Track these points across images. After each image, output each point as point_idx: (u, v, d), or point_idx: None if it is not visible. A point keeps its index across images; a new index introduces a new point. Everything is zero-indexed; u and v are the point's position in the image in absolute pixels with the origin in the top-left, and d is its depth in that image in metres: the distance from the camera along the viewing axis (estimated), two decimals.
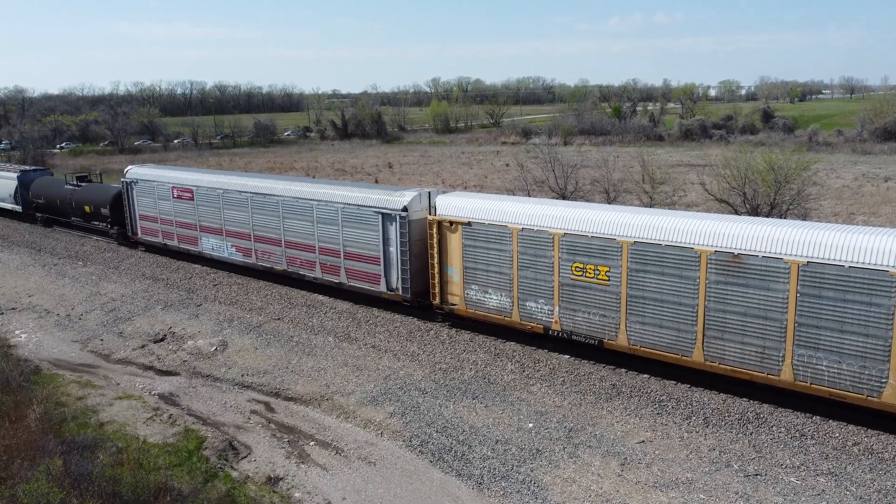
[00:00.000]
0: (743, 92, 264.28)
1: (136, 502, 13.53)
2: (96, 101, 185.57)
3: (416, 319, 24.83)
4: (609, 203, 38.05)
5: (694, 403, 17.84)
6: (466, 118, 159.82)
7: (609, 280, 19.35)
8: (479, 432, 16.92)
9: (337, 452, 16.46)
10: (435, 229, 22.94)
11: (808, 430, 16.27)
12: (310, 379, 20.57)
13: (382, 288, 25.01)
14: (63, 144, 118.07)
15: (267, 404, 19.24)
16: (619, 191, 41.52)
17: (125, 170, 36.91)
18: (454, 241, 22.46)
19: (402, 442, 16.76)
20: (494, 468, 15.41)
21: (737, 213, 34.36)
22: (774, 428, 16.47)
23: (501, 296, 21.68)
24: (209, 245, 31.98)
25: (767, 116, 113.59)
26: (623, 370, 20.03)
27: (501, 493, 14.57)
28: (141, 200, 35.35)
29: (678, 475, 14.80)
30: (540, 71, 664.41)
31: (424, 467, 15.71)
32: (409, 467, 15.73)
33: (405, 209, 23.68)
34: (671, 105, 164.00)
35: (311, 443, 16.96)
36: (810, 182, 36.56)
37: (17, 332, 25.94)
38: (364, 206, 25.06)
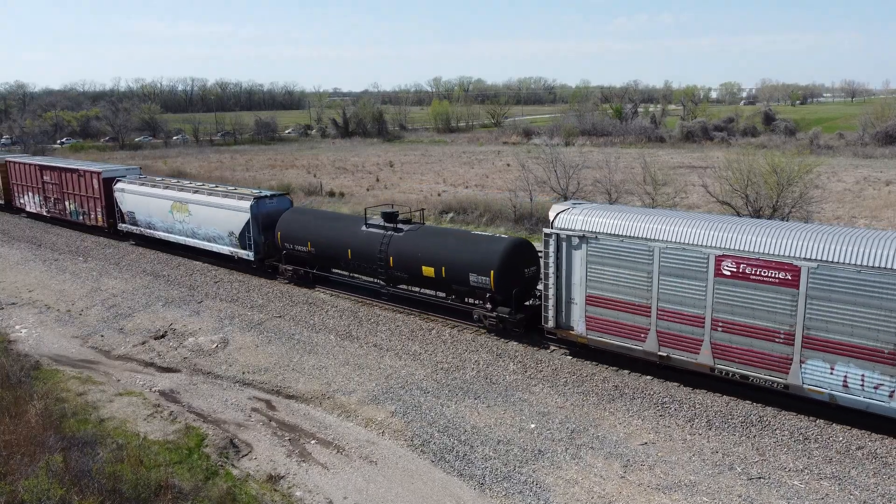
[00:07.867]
0: (744, 94, 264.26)
1: (138, 500, 13.49)
2: (97, 97, 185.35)
3: (417, 319, 24.75)
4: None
5: (697, 406, 17.79)
6: (467, 118, 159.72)
7: None
8: (481, 432, 16.86)
9: (338, 451, 16.40)
10: None
11: (812, 434, 16.22)
12: (311, 377, 20.50)
13: None
14: (63, 140, 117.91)
15: (268, 402, 19.18)
16: (621, 192, 41.47)
17: (552, 213, 21.46)
18: None
19: (404, 441, 16.71)
20: (496, 469, 15.36)
21: (739, 215, 34.31)
22: (778, 431, 16.42)
23: None
24: (837, 377, 16.60)
25: (769, 119, 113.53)
26: (625, 371, 19.99)
27: (503, 493, 14.51)
28: (596, 272, 20.49)
29: (681, 477, 14.75)
30: (541, 71, 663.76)
31: (426, 467, 15.66)
32: (410, 467, 15.68)
33: None
34: (672, 106, 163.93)
35: (313, 441, 16.90)
36: (813, 185, 36.52)
37: (17, 327, 25.86)
38: None
